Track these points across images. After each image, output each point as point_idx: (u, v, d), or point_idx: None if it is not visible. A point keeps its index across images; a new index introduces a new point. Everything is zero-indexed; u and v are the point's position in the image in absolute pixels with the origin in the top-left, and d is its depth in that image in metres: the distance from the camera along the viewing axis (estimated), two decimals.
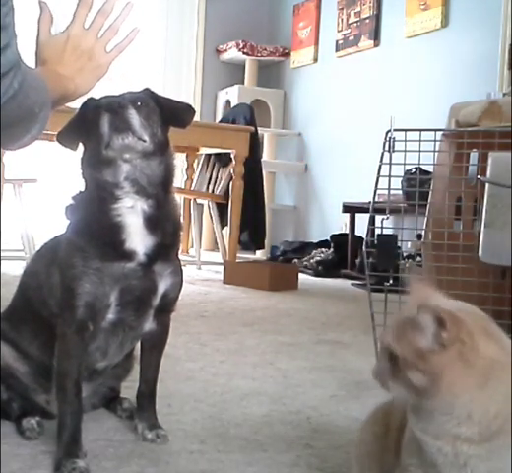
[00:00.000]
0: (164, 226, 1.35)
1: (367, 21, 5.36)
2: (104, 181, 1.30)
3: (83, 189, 1.37)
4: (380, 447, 1.04)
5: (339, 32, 5.67)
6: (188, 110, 1.43)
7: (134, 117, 1.28)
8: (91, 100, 1.35)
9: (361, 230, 4.51)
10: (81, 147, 1.37)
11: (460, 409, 0.84)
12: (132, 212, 1.30)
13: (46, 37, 1.24)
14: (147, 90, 1.39)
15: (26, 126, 1.08)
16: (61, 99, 1.22)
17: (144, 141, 1.28)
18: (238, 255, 4.54)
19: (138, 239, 1.31)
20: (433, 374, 0.83)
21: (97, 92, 1.35)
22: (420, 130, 1.91)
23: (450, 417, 0.85)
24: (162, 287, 1.35)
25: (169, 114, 1.38)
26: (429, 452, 0.88)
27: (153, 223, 1.32)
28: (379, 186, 1.95)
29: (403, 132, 1.89)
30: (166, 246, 1.35)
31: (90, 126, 1.30)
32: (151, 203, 1.31)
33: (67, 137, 1.37)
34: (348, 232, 4.88)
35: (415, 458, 0.92)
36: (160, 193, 1.33)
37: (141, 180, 1.30)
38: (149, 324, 1.39)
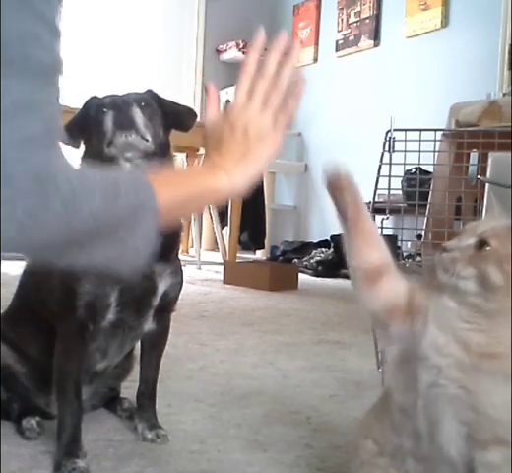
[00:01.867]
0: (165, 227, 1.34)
1: (367, 21, 5.36)
2: None
3: None
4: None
5: (339, 32, 5.67)
6: (190, 114, 1.43)
7: (138, 115, 1.28)
8: (94, 98, 1.35)
9: None
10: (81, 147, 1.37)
11: (498, 327, 0.86)
12: None
13: (213, 123, 0.99)
14: (150, 91, 1.39)
15: (110, 245, 0.79)
16: (200, 197, 0.92)
17: (146, 140, 1.29)
18: (238, 255, 4.54)
19: None
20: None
21: (99, 91, 1.35)
22: (420, 130, 1.91)
23: (479, 328, 0.86)
24: (162, 287, 1.35)
25: (172, 117, 1.38)
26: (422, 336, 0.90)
27: None
28: (379, 186, 1.95)
29: (403, 132, 1.89)
30: (166, 247, 1.35)
31: (92, 124, 1.30)
32: None
33: (69, 134, 1.37)
34: None
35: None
36: None
37: None
38: (149, 324, 1.39)
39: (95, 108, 1.32)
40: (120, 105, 1.28)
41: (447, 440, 0.90)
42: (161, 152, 1.33)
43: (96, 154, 1.30)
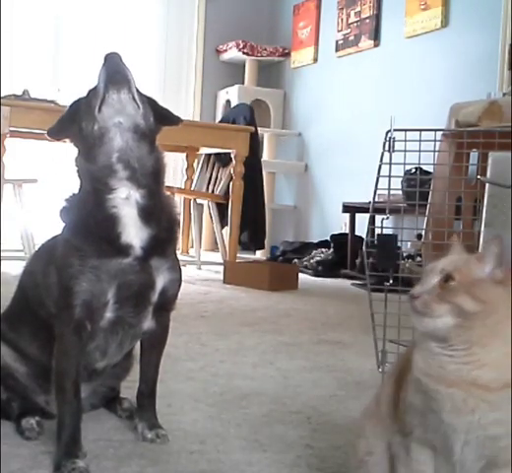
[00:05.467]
0: (159, 218, 1.35)
1: (367, 21, 5.36)
2: (98, 169, 1.30)
3: (77, 191, 1.37)
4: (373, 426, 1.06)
5: (339, 32, 5.67)
6: (175, 116, 1.45)
7: (131, 76, 1.30)
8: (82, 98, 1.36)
9: (361, 230, 4.51)
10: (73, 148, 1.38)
11: (489, 351, 0.89)
12: (127, 203, 1.31)
13: None
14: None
15: None
16: None
17: (138, 107, 1.30)
18: (238, 255, 4.54)
19: (133, 232, 1.31)
20: (485, 303, 0.89)
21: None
22: (420, 130, 1.91)
23: (473, 359, 0.89)
24: (160, 282, 1.35)
25: (160, 114, 1.39)
26: (439, 401, 0.91)
27: (147, 214, 1.32)
28: (379, 186, 1.95)
29: (403, 132, 1.89)
30: (162, 240, 1.35)
31: (83, 109, 1.32)
32: (144, 193, 1.32)
33: (57, 129, 1.39)
34: (348, 232, 4.88)
35: (417, 418, 0.96)
36: (152, 185, 1.34)
37: (132, 161, 1.30)
38: (148, 322, 1.39)
39: (84, 97, 1.34)
40: (114, 68, 1.29)
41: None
42: (150, 138, 1.34)
43: (87, 137, 1.30)
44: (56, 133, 1.39)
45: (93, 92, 1.31)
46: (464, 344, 0.90)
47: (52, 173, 5.22)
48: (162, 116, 1.40)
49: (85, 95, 1.35)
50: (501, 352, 0.90)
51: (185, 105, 6.34)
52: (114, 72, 1.28)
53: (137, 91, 1.33)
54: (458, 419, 0.90)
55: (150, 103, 1.37)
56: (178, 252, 1.44)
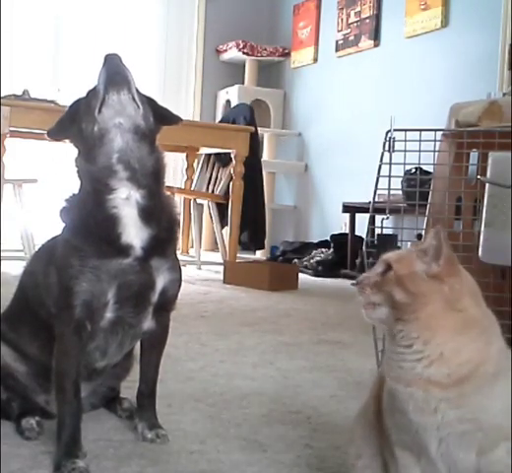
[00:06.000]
0: (159, 218, 1.35)
1: (367, 21, 5.36)
2: (98, 170, 1.30)
3: (77, 191, 1.38)
4: (364, 424, 1.07)
5: (339, 32, 5.67)
6: (175, 116, 1.45)
7: (131, 77, 1.30)
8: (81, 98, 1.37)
9: (361, 230, 4.51)
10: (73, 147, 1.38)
11: (433, 347, 0.89)
12: (127, 204, 1.31)
13: None
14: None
15: None
16: None
17: (138, 107, 1.30)
18: (238, 255, 4.54)
19: (134, 232, 1.31)
20: (414, 295, 0.89)
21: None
22: (420, 130, 1.91)
23: (422, 356, 0.89)
24: (160, 282, 1.35)
25: (160, 114, 1.40)
26: (402, 400, 0.91)
27: (147, 214, 1.32)
28: (379, 186, 1.95)
29: (403, 132, 1.89)
30: (162, 241, 1.35)
31: (82, 110, 1.32)
32: (144, 194, 1.32)
33: (57, 130, 1.40)
34: (348, 232, 4.88)
35: (391, 419, 0.96)
36: (152, 185, 1.34)
37: (132, 162, 1.30)
38: (148, 322, 1.39)
39: (83, 98, 1.34)
40: (114, 69, 1.30)
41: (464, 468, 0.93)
42: (150, 139, 1.34)
43: (87, 138, 1.30)
44: (56, 134, 1.39)
45: (92, 92, 1.32)
46: (407, 340, 0.90)
47: (52, 173, 5.21)
48: (162, 116, 1.40)
49: (84, 95, 1.35)
50: (446, 347, 0.89)
51: (185, 105, 6.34)
52: (114, 73, 1.29)
53: (137, 91, 1.33)
54: (423, 418, 0.90)
55: (149, 103, 1.37)
56: (178, 252, 1.44)
